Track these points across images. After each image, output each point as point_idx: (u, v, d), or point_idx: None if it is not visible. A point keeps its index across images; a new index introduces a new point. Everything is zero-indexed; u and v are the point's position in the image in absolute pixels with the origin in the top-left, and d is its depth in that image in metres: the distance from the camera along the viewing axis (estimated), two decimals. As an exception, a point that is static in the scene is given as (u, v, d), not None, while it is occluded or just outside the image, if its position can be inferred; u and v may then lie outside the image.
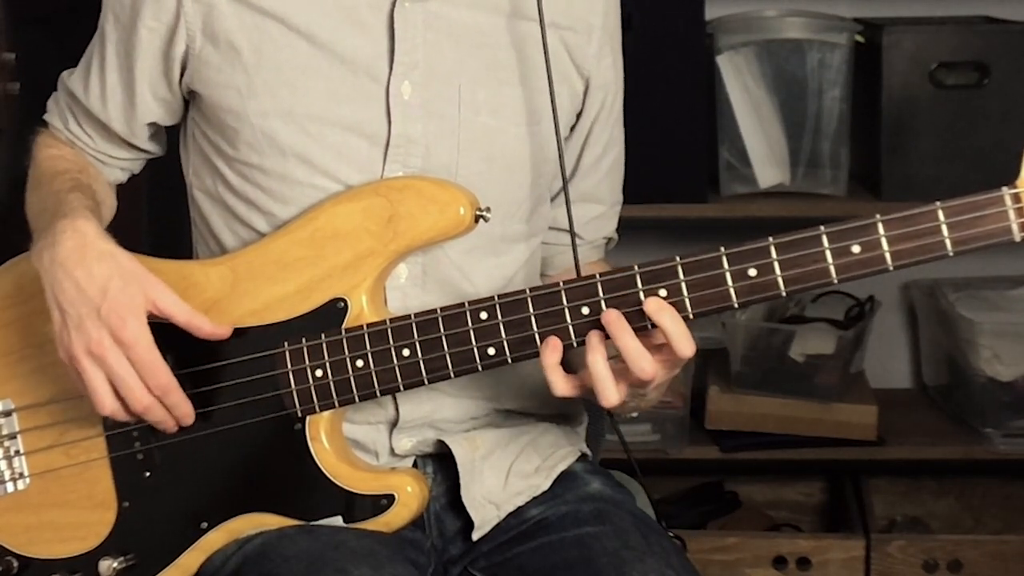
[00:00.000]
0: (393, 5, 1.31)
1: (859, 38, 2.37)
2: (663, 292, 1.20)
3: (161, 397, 1.24)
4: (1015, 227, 1.14)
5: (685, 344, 1.19)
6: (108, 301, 1.21)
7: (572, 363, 1.24)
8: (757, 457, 2.43)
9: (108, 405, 1.24)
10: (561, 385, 1.22)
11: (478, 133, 1.33)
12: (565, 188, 1.34)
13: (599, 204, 1.48)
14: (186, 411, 1.26)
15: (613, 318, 1.19)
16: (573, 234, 1.35)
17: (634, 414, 1.34)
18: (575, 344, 1.22)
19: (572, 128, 1.42)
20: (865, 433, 2.40)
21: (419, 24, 1.31)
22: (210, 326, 1.26)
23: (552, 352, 1.21)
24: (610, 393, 1.20)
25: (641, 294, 1.20)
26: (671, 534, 1.39)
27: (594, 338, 1.20)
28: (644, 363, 1.19)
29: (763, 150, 2.39)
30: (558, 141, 1.32)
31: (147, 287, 1.23)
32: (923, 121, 2.34)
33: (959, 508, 2.57)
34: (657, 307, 1.19)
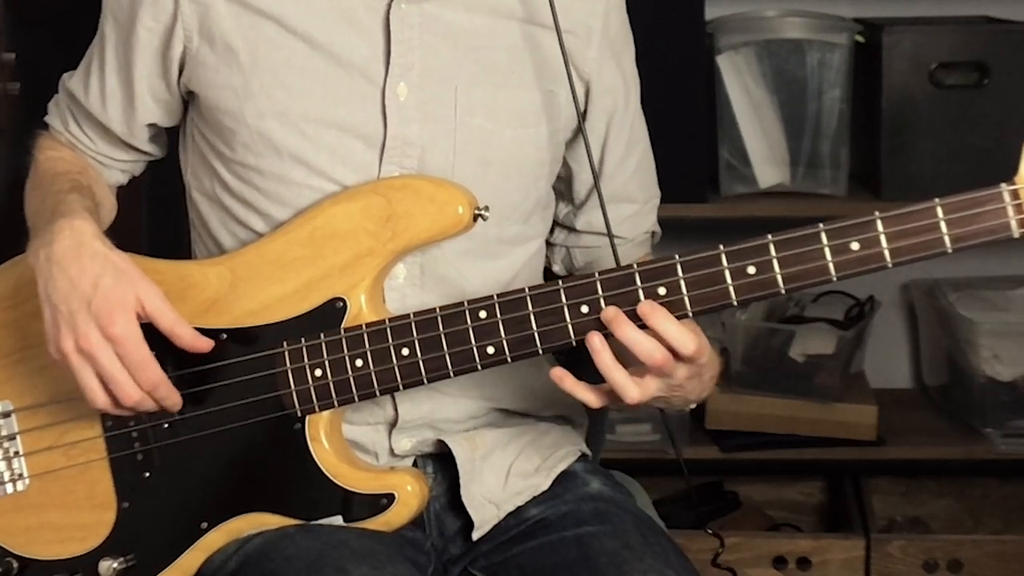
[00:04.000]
0: (389, 7, 1.31)
1: (859, 38, 2.37)
2: (662, 290, 1.20)
3: (151, 392, 1.24)
4: (1014, 223, 1.14)
5: (685, 342, 1.18)
6: (98, 297, 1.21)
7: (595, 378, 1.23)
8: (757, 457, 2.43)
9: (100, 400, 1.24)
10: (592, 398, 1.22)
11: (474, 135, 1.33)
12: (598, 188, 1.34)
13: (632, 203, 1.47)
14: (175, 400, 1.27)
15: (611, 314, 1.19)
16: (611, 236, 1.34)
17: (692, 406, 1.33)
18: (573, 343, 1.22)
19: (577, 131, 1.41)
20: (865, 433, 2.40)
21: (415, 26, 1.31)
22: (190, 337, 1.26)
23: (563, 378, 1.21)
24: (629, 390, 1.19)
25: (640, 292, 1.20)
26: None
27: (595, 340, 1.20)
28: (649, 347, 1.18)
29: (763, 150, 2.39)
30: (586, 144, 1.33)
31: (138, 288, 1.23)
32: (923, 121, 2.34)
33: (959, 508, 2.57)
34: (649, 309, 1.19)
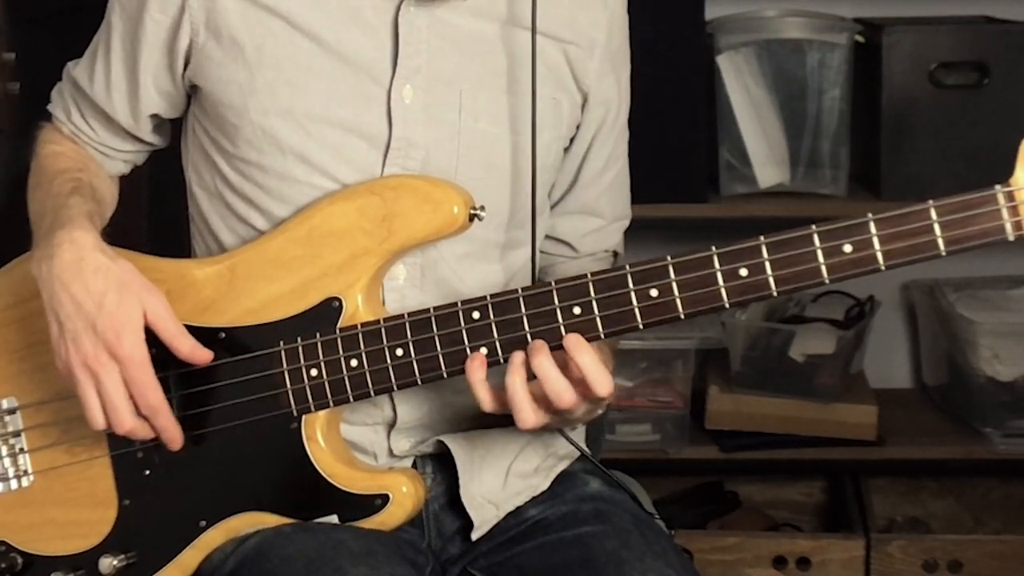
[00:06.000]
0: (398, 9, 1.31)
1: (859, 38, 2.37)
2: (654, 292, 1.20)
3: (149, 417, 1.25)
4: (1008, 226, 1.13)
5: (603, 383, 1.19)
6: (103, 317, 1.22)
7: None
8: (757, 457, 2.43)
9: (99, 422, 1.24)
10: (487, 401, 1.22)
11: (477, 139, 1.34)
12: (533, 199, 1.33)
13: (598, 218, 1.47)
14: (174, 435, 1.27)
15: (536, 346, 1.20)
16: (535, 246, 1.34)
17: (573, 427, 1.35)
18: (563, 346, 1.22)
19: (572, 139, 1.42)
20: (865, 433, 2.40)
21: (423, 29, 1.32)
22: (189, 348, 1.26)
23: (479, 367, 1.21)
24: (526, 416, 1.20)
25: (633, 294, 1.20)
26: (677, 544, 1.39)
27: (516, 359, 1.20)
28: (561, 387, 1.19)
29: (763, 150, 2.39)
30: (533, 150, 1.32)
31: (142, 298, 1.24)
32: (923, 121, 2.34)
33: (959, 508, 2.57)
34: (575, 343, 1.20)
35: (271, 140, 1.32)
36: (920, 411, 2.55)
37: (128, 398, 1.23)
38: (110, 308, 1.22)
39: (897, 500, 2.57)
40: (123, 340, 1.22)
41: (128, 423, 1.24)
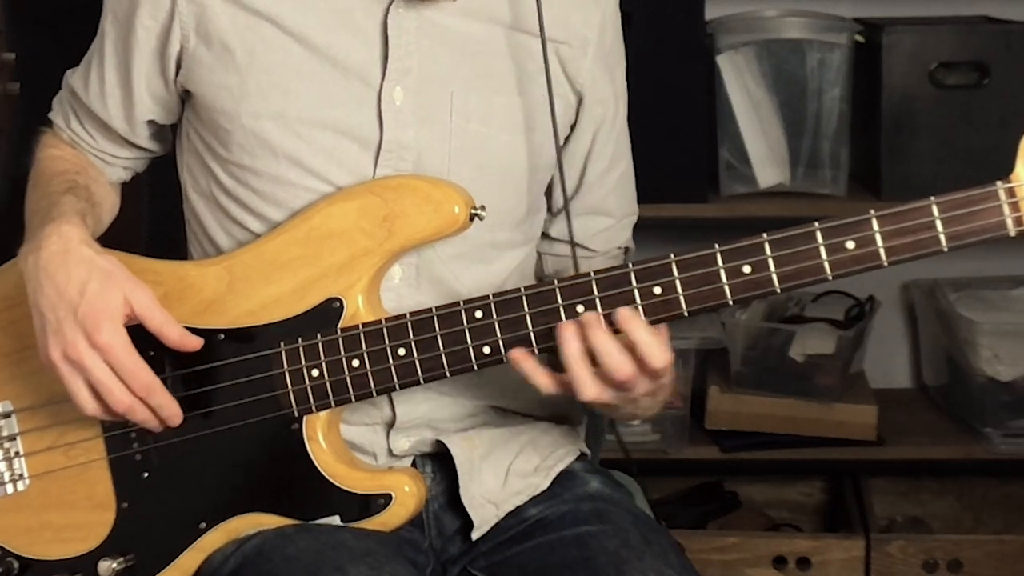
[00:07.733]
0: (387, 11, 1.31)
1: (859, 38, 2.37)
2: (658, 289, 1.20)
3: (145, 398, 1.24)
4: (1009, 221, 1.13)
5: (656, 354, 1.18)
6: (84, 305, 1.21)
7: (557, 364, 1.23)
8: (757, 457, 2.43)
9: (89, 407, 1.24)
10: (546, 382, 1.21)
11: (469, 140, 1.34)
12: (565, 201, 1.34)
13: (608, 217, 1.47)
14: (173, 411, 1.26)
15: (591, 319, 1.19)
16: (574, 246, 1.35)
17: (635, 422, 1.34)
18: None
19: (567, 139, 1.42)
20: (865, 433, 2.41)
21: (413, 30, 1.32)
22: (178, 336, 1.26)
23: (523, 361, 1.21)
24: (586, 386, 1.19)
25: (636, 292, 1.20)
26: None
27: (567, 330, 1.19)
28: (619, 359, 1.18)
29: (763, 150, 2.39)
30: (558, 154, 1.33)
31: (126, 289, 1.23)
32: (923, 121, 2.34)
33: (959, 508, 2.57)
34: (628, 315, 1.19)
35: (263, 144, 1.32)
36: (920, 411, 2.55)
37: (118, 379, 1.23)
38: (91, 297, 1.22)
39: (897, 500, 2.57)
40: (102, 328, 1.21)
41: (125, 400, 1.23)
